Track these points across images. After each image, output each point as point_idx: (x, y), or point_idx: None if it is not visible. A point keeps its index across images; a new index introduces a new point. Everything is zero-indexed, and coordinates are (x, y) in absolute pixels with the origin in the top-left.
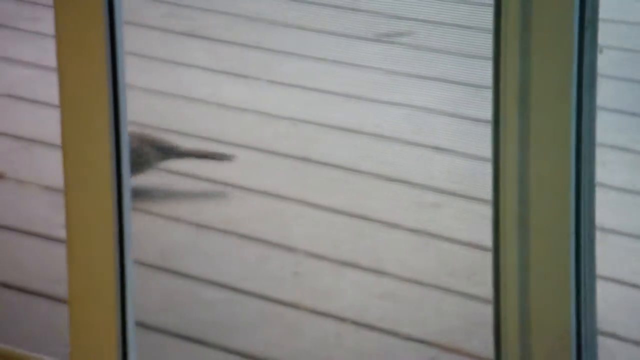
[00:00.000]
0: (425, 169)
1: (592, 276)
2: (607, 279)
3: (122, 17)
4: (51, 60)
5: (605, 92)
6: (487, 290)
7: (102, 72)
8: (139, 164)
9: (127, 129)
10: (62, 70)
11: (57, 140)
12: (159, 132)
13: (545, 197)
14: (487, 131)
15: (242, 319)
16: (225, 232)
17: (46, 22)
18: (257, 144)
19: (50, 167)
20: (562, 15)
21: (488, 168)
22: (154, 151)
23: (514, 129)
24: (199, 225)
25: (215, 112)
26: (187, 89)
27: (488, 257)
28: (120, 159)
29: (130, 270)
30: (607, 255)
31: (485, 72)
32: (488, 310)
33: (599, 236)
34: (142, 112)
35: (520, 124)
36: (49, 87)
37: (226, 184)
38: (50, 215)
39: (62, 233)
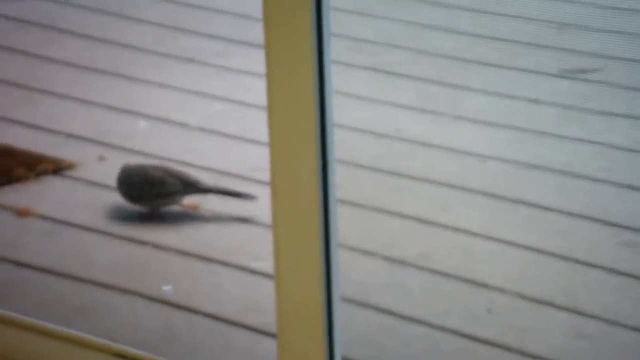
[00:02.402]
0: (621, 207)
1: None
2: None
3: (330, 57)
4: (242, 95)
5: None
6: None
7: (310, 110)
8: (163, 195)
9: (335, 163)
10: (271, 108)
11: (251, 173)
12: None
13: None
14: None
15: (439, 355)
16: (418, 267)
17: (233, 57)
18: (444, 179)
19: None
20: None
21: None
22: (179, 184)
23: None
24: (393, 260)
25: (400, 147)
26: (371, 124)
27: None
28: (327, 195)
29: (337, 304)
30: None
31: None
32: None
33: None
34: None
35: None
36: (241, 122)
37: (415, 219)
38: (245, 247)
39: (256, 265)
